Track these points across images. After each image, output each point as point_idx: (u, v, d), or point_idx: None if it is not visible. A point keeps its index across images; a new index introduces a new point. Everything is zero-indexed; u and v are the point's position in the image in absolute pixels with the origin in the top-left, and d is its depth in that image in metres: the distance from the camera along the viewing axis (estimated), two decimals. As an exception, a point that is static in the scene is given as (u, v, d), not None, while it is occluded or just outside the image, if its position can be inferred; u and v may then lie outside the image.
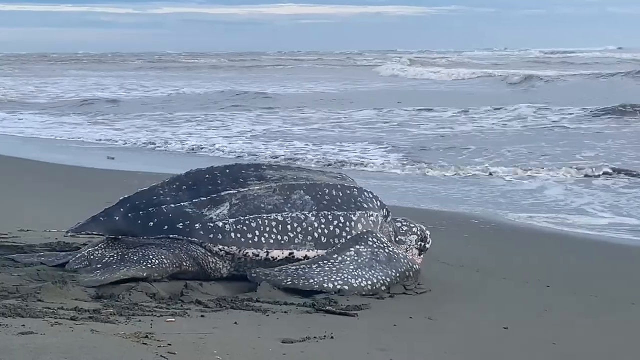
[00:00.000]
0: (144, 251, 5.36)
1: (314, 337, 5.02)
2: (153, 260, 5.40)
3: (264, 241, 5.39)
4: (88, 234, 5.73)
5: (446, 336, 5.32)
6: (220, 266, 5.51)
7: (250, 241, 5.36)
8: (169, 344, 4.67)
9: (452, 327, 5.54)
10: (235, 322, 5.32)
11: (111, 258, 5.50)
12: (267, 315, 5.51)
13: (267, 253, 5.45)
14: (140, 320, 5.23)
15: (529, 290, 6.58)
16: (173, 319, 5.31)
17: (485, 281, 6.72)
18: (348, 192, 5.66)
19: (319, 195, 5.53)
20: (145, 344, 4.69)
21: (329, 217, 5.49)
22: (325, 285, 5.30)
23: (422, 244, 6.29)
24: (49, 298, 5.70)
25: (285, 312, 5.59)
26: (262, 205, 5.35)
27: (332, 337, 5.05)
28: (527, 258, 7.90)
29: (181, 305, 5.64)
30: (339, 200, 5.58)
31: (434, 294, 6.05)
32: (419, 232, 6.27)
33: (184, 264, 5.51)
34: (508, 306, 6.11)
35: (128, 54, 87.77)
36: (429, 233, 6.43)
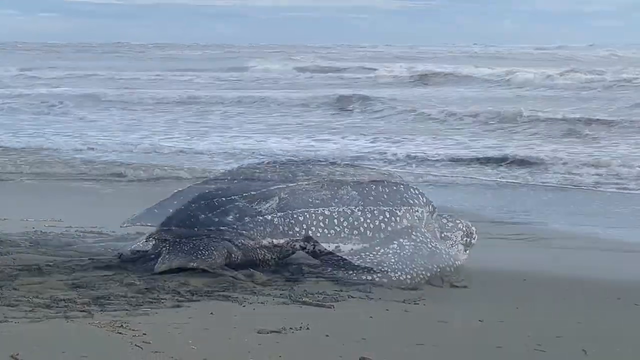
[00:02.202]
0: (194, 242, 5.49)
1: (290, 328, 5.02)
2: (203, 252, 5.52)
3: (311, 234, 5.54)
4: (143, 225, 5.82)
5: (421, 329, 5.33)
6: (269, 258, 5.66)
7: (298, 234, 5.52)
8: (144, 334, 4.67)
9: (427, 319, 5.55)
10: (212, 313, 5.33)
11: (163, 248, 5.60)
12: (244, 306, 5.51)
13: (314, 246, 5.61)
14: (115, 310, 5.22)
15: (506, 285, 6.62)
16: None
17: (462, 275, 6.73)
18: (395, 188, 5.81)
19: (365, 191, 5.68)
20: (120, 333, 4.69)
21: (375, 212, 5.62)
22: (364, 277, 5.50)
23: (468, 239, 6.42)
24: (24, 287, 5.69)
25: (261, 302, 5.59)
26: (310, 200, 5.51)
27: (307, 328, 5.05)
28: (506, 253, 7.96)
29: (157, 296, 5.63)
30: (385, 196, 5.73)
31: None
32: (464, 229, 6.38)
33: (233, 255, 5.63)
34: (485, 300, 6.13)
35: (95, 44, 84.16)
36: (474, 229, 6.49)
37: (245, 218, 5.60)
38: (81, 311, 5.18)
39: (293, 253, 5.79)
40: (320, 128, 19.87)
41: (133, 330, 4.74)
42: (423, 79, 33.63)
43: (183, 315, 5.26)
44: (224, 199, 5.62)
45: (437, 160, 14.62)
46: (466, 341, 5.11)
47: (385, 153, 15.44)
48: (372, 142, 17.11)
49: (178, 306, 5.46)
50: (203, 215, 5.61)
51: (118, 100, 25.87)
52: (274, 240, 5.62)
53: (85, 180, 12.70)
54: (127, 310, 5.27)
